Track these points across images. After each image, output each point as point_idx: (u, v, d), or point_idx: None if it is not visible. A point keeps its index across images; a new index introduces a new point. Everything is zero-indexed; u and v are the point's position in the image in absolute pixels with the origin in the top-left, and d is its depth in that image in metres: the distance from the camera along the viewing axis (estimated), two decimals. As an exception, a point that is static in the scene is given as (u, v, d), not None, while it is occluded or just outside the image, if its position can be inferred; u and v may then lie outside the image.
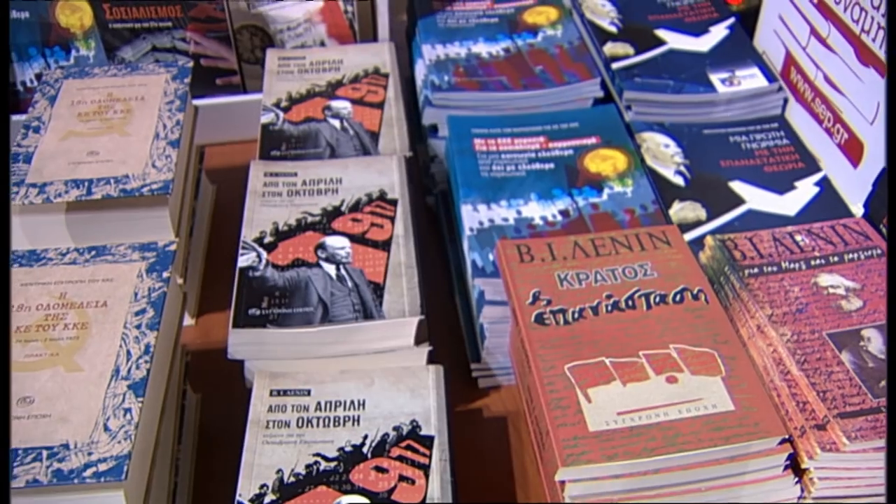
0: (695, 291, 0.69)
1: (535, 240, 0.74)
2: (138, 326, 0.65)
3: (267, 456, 0.63)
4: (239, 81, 1.02)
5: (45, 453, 0.57)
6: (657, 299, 0.68)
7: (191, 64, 0.89)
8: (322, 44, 1.02)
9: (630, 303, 0.68)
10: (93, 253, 0.70)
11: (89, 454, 0.57)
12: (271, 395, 0.67)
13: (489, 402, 0.79)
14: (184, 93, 0.86)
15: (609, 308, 0.68)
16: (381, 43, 0.99)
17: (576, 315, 0.67)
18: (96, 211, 0.76)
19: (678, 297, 0.68)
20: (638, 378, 0.63)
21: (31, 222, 0.77)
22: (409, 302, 0.70)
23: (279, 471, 0.62)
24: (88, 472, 0.56)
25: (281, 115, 0.88)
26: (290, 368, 0.69)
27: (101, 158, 0.79)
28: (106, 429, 0.58)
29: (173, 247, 0.71)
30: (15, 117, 0.95)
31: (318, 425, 0.65)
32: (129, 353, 0.63)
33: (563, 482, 0.59)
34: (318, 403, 0.67)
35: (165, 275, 0.68)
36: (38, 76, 1.02)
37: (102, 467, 0.56)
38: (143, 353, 0.63)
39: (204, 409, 0.78)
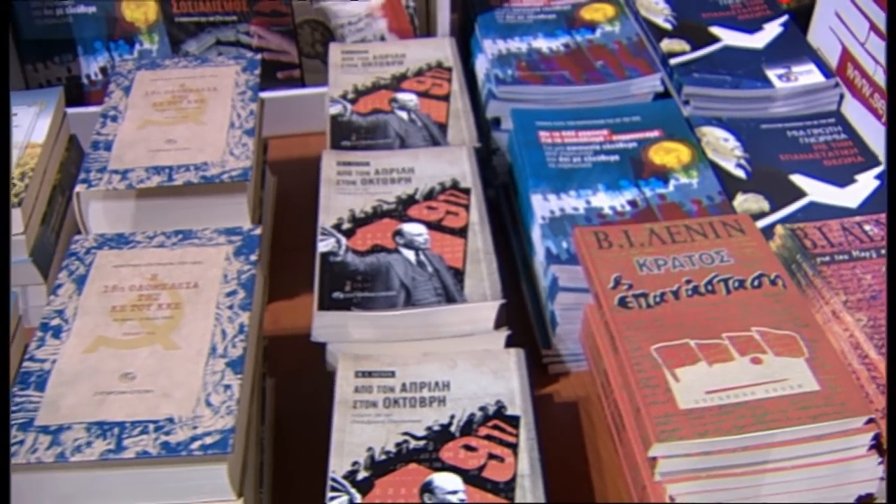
0: (772, 277, 0.70)
1: (611, 227, 0.75)
2: (230, 307, 0.66)
3: (357, 434, 0.64)
4: (299, 75, 1.04)
5: (151, 426, 0.58)
6: (735, 284, 0.70)
7: (259, 57, 0.91)
8: (382, 38, 1.04)
9: (709, 287, 0.69)
10: (179, 236, 0.72)
11: (194, 428, 0.58)
12: (356, 376, 0.69)
13: (559, 387, 0.80)
14: (255, 84, 0.87)
15: (689, 292, 0.69)
16: (442, 38, 1.00)
17: (657, 299, 0.69)
18: (176, 197, 0.78)
19: (756, 283, 0.70)
20: (723, 359, 0.64)
21: (112, 207, 0.78)
22: (490, 286, 0.72)
23: (370, 449, 0.63)
24: (195, 445, 0.57)
25: (349, 106, 0.89)
26: (371, 351, 0.71)
27: (179, 146, 0.80)
28: (208, 404, 0.59)
29: (258, 231, 0.72)
30: (84, 109, 0.97)
31: (404, 405, 0.67)
32: (224, 332, 0.64)
33: (654, 459, 0.60)
34: (403, 384, 0.68)
35: (253, 258, 0.70)
36: (103, 70, 1.04)
37: (208, 440, 0.57)
38: (237, 333, 0.64)
39: (278, 393, 0.79)
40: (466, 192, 0.80)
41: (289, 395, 0.79)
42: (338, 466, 0.62)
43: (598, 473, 0.73)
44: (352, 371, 0.69)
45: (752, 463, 0.61)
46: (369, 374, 0.69)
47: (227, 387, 0.60)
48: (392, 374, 0.69)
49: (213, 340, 0.63)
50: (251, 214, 0.80)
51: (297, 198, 0.97)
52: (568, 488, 0.71)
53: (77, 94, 1.02)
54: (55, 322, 0.65)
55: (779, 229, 0.76)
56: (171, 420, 0.58)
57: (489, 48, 0.98)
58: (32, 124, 0.88)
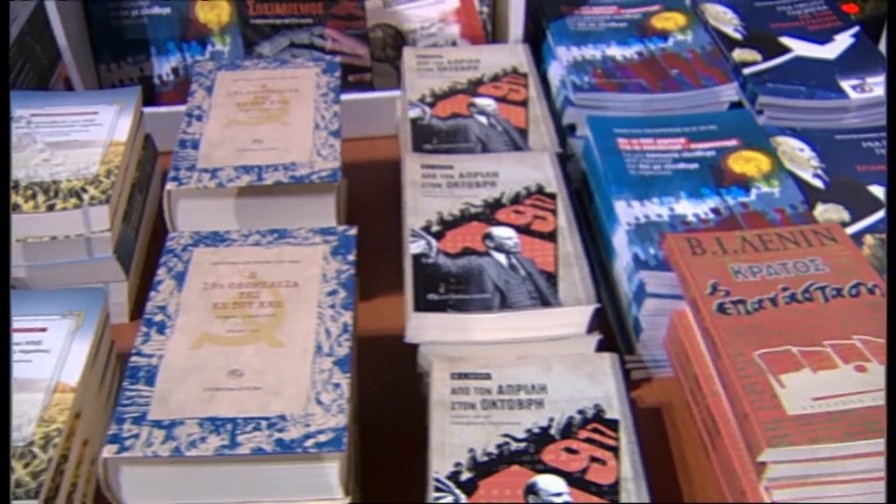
0: (869, 286, 0.70)
1: (703, 233, 0.75)
2: (332, 306, 0.66)
3: (457, 435, 0.64)
4: (370, 79, 1.04)
5: (263, 423, 0.58)
6: (833, 293, 0.70)
7: (338, 59, 0.91)
8: (453, 43, 1.04)
9: (807, 295, 0.69)
10: (275, 235, 0.72)
11: (307, 425, 0.58)
12: (452, 377, 0.69)
13: (641, 393, 0.80)
14: (336, 86, 0.88)
15: (787, 300, 0.69)
16: (515, 44, 1.01)
17: (755, 306, 0.69)
18: (263, 196, 0.78)
19: (854, 291, 0.70)
20: (827, 366, 0.64)
21: (200, 206, 0.78)
22: (584, 290, 0.72)
23: (471, 450, 0.63)
24: (309, 443, 0.57)
25: (427, 110, 0.90)
26: (465, 353, 0.71)
27: (265, 146, 0.80)
28: (319, 402, 0.59)
29: (353, 231, 0.72)
30: (156, 108, 0.97)
31: (502, 407, 0.67)
32: (328, 331, 0.64)
33: (763, 464, 0.60)
34: (500, 386, 0.68)
35: (350, 258, 0.70)
36: (175, 70, 1.04)
37: (322, 438, 0.57)
38: (342, 332, 0.64)
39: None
40: (552, 196, 0.80)
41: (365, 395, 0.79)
42: (440, 467, 0.62)
43: (686, 479, 0.73)
44: (447, 373, 0.69)
45: (861, 471, 0.61)
46: (465, 376, 0.69)
47: (337, 385, 0.61)
48: (488, 376, 0.69)
49: (317, 339, 0.64)
50: (337, 215, 0.80)
51: (368, 200, 0.97)
52: (658, 494, 0.71)
53: (148, 94, 1.03)
54: (158, 318, 0.65)
55: (868, 239, 0.76)
56: (283, 417, 0.58)
57: (563, 55, 0.98)
58: (114, 123, 0.89)
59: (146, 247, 0.92)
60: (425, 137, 0.87)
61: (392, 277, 0.80)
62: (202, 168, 0.78)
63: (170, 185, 0.76)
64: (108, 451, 0.56)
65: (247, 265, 0.69)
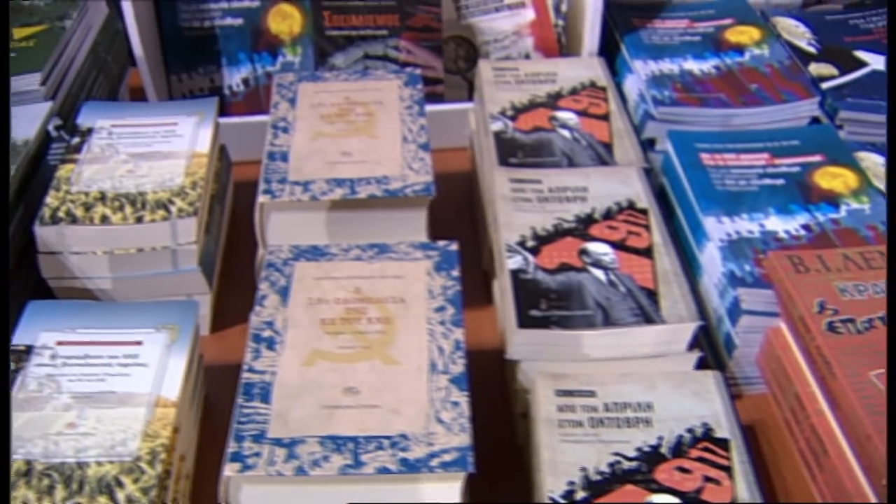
0: (978, 305, 0.70)
1: (804, 251, 0.75)
2: (442, 323, 0.66)
3: (567, 454, 0.64)
4: (442, 91, 1.03)
5: (385, 442, 0.57)
6: (942, 312, 0.69)
7: (418, 71, 0.91)
8: (527, 56, 1.04)
9: (916, 314, 0.69)
10: (375, 250, 0.72)
11: (430, 445, 0.57)
12: (557, 395, 0.68)
13: (733, 411, 0.79)
14: (420, 98, 0.87)
15: (896, 319, 0.69)
16: (590, 57, 1.00)
17: (866, 325, 0.68)
18: (357, 210, 0.77)
19: (962, 311, 0.69)
20: (944, 387, 0.63)
21: (291, 219, 0.78)
22: (686, 307, 0.71)
23: (583, 468, 0.63)
24: (435, 462, 0.56)
25: (510, 123, 0.89)
26: (567, 370, 0.70)
27: (355, 159, 0.80)
28: (440, 421, 0.59)
29: (454, 247, 0.72)
30: (228, 119, 0.97)
31: (610, 425, 0.66)
32: (440, 348, 0.64)
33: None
34: (605, 404, 0.67)
35: (455, 273, 0.69)
36: (245, 81, 1.04)
37: (447, 458, 0.57)
38: (454, 349, 0.64)
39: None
40: (643, 212, 0.80)
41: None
42: (554, 486, 0.62)
43: (786, 497, 0.72)
44: (551, 389, 0.68)
45: None
46: (570, 394, 0.68)
47: (455, 403, 0.60)
48: (593, 394, 0.68)
49: (430, 356, 0.63)
50: (428, 229, 0.79)
51: (440, 213, 0.96)
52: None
53: (219, 104, 1.02)
54: (267, 334, 0.65)
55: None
56: (404, 436, 0.58)
57: (640, 69, 0.97)
58: (194, 134, 0.88)
59: (222, 258, 0.91)
60: (510, 151, 0.86)
61: (472, 291, 0.79)
62: (294, 181, 0.77)
63: (263, 198, 0.76)
64: (230, 470, 0.56)
65: (350, 280, 0.69)
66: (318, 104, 0.87)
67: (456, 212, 0.98)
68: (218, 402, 0.77)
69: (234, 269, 0.90)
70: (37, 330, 0.73)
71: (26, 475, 0.62)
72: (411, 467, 0.56)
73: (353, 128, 0.83)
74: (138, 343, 0.72)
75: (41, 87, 0.90)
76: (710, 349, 0.80)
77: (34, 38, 0.95)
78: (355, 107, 0.86)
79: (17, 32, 0.96)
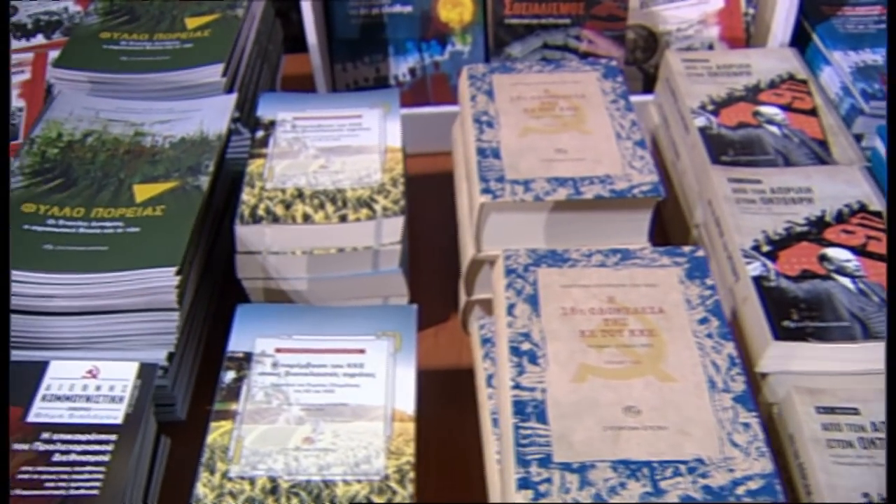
0: None
1: None
2: (709, 336, 0.61)
3: (846, 477, 0.59)
4: (619, 83, 0.99)
5: (682, 468, 0.53)
6: None
7: (614, 63, 0.86)
8: (710, 46, 0.99)
9: None
10: (619, 256, 0.67)
11: (730, 471, 0.53)
12: (818, 412, 0.64)
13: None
14: (624, 92, 0.83)
15: None
16: (782, 48, 0.95)
17: None
18: (579, 211, 0.73)
19: None
20: None
21: (510, 220, 0.74)
22: (951, 320, 0.66)
23: (865, 494, 0.59)
24: (740, 490, 0.52)
25: (713, 119, 0.85)
26: (822, 384, 0.66)
27: (571, 157, 0.76)
28: (734, 444, 0.55)
29: (700, 253, 0.68)
30: (402, 111, 0.92)
31: (881, 447, 0.61)
32: (714, 364, 0.59)
33: None
34: (873, 423, 0.63)
35: (709, 282, 0.65)
36: (412, 71, 1.00)
37: (752, 485, 0.53)
38: (730, 365, 0.59)
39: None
40: (877, 215, 0.75)
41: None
42: (841, 513, 0.58)
43: None
44: (811, 406, 0.64)
45: None
46: (832, 411, 0.64)
47: (746, 425, 0.56)
48: (856, 412, 0.64)
49: (706, 373, 0.59)
50: (651, 232, 0.75)
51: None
52: None
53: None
54: (525, 346, 0.61)
55: None
56: (700, 461, 0.54)
57: (840, 60, 0.92)
58: (382, 127, 0.85)
59: (404, 257, 0.87)
60: (721, 149, 0.81)
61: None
62: (512, 180, 0.73)
63: (483, 198, 0.72)
64: (523, 497, 0.52)
65: (600, 288, 0.65)
66: (517, 97, 0.82)
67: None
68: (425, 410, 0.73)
69: (416, 268, 0.86)
70: (252, 336, 0.69)
71: (273, 493, 0.59)
72: (716, 496, 0.52)
73: (561, 123, 0.79)
74: (361, 351, 0.68)
75: (222, 79, 0.86)
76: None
77: (208, 28, 0.92)
78: (558, 100, 0.82)
79: (190, 22, 0.92)
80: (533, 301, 0.64)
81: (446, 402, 0.75)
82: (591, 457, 0.54)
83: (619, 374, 0.59)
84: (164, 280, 0.69)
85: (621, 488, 0.52)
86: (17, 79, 0.94)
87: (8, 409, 0.64)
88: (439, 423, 0.70)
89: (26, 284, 0.69)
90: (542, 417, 0.56)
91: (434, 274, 0.87)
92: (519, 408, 0.57)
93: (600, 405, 0.57)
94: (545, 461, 0.54)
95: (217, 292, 0.84)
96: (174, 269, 0.69)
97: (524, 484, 0.53)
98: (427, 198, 0.92)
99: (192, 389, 0.78)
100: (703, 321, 0.62)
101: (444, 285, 0.86)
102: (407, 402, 0.64)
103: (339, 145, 0.82)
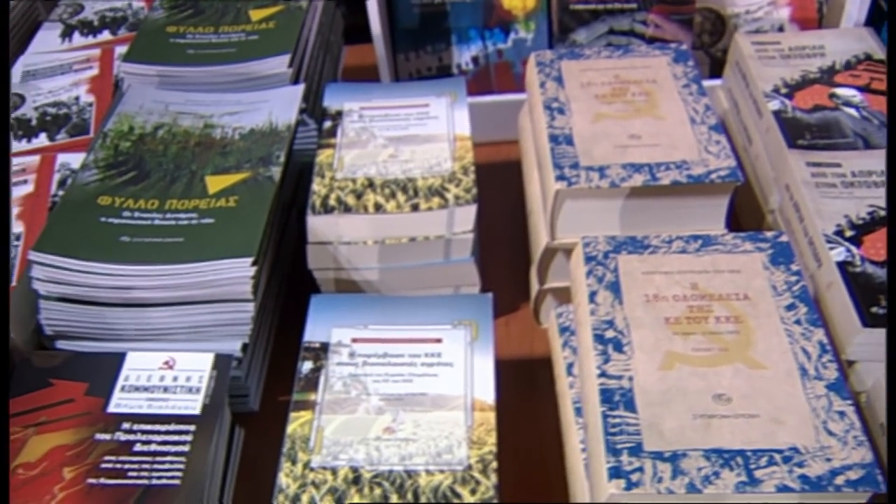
0: None
1: None
2: (797, 322, 0.60)
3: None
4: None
5: (777, 457, 0.52)
6: None
7: (684, 47, 0.85)
8: (780, 28, 0.97)
9: None
10: (699, 241, 0.66)
11: (827, 460, 0.52)
12: (910, 401, 0.62)
13: None
14: (696, 76, 0.81)
15: None
16: (857, 28, 0.93)
17: None
18: (655, 197, 0.72)
19: None
20: None
21: (584, 206, 0.73)
22: None
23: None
24: (839, 480, 0.51)
25: (787, 102, 0.83)
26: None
27: (645, 142, 0.74)
28: (830, 433, 0.53)
29: (783, 238, 0.66)
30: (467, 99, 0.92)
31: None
32: (805, 350, 0.58)
33: None
34: (969, 412, 0.61)
35: (794, 268, 0.64)
36: (475, 59, 0.99)
37: (851, 475, 0.51)
38: (821, 352, 0.58)
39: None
40: (964, 199, 0.72)
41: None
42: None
43: None
44: (902, 395, 0.62)
45: None
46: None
47: (841, 413, 0.54)
48: (948, 401, 0.62)
49: (797, 360, 0.57)
50: (728, 218, 0.73)
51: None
52: None
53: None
54: (609, 334, 0.60)
55: None
56: (795, 450, 0.53)
57: (918, 40, 0.90)
58: (450, 115, 0.84)
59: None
60: (798, 132, 0.80)
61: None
62: (587, 166, 0.72)
63: (558, 185, 0.71)
64: (615, 487, 0.51)
65: (683, 275, 0.63)
66: (587, 83, 0.81)
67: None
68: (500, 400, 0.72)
69: (483, 258, 0.85)
70: (328, 326, 0.69)
71: (356, 483, 0.58)
72: (814, 486, 0.51)
73: (633, 108, 0.78)
74: (438, 341, 0.68)
75: (288, 70, 0.86)
76: None
77: (272, 20, 0.92)
78: (629, 86, 0.80)
79: (254, 14, 0.92)
80: (615, 288, 0.63)
81: (521, 392, 0.74)
82: (682, 445, 0.53)
83: (707, 361, 0.57)
84: (240, 271, 0.69)
85: (715, 477, 0.51)
86: (86, 74, 0.95)
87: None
88: (515, 414, 0.69)
89: (104, 276, 0.69)
90: (630, 406, 0.55)
91: (502, 263, 0.87)
92: (606, 396, 0.56)
93: (689, 393, 0.56)
94: (636, 450, 0.53)
95: (284, 284, 0.84)
96: (250, 260, 0.69)
97: (616, 473, 0.52)
98: (491, 187, 0.91)
99: (263, 380, 0.78)
100: (790, 307, 0.61)
101: (513, 275, 0.85)
102: (487, 391, 0.64)
103: (408, 134, 0.82)
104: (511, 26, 0.97)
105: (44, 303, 0.71)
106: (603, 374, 0.57)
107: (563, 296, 0.78)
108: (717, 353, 0.58)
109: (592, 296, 0.62)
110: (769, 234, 0.66)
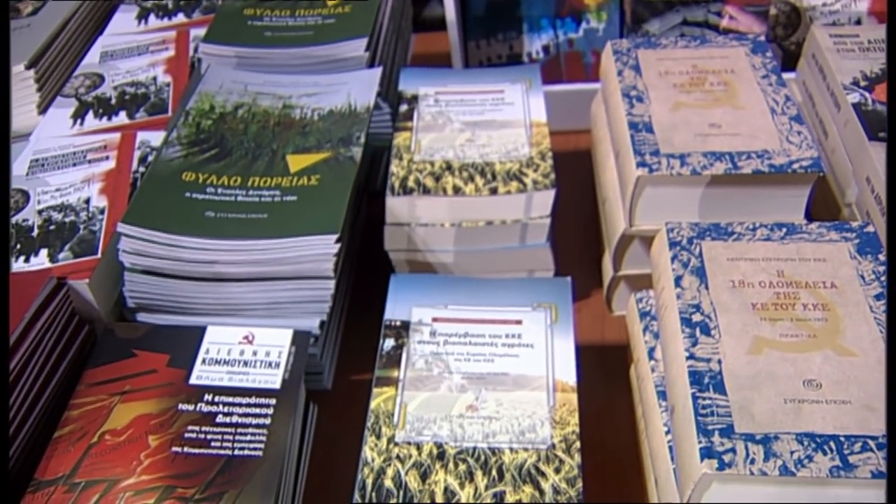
0: None
1: None
2: (886, 311, 0.60)
3: None
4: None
5: (871, 443, 0.52)
6: None
7: (762, 38, 0.85)
8: (857, 22, 0.96)
9: None
10: (784, 230, 0.66)
11: (922, 447, 0.52)
12: None
13: None
14: (775, 67, 0.81)
15: None
16: (936, 22, 0.92)
17: None
18: (735, 186, 0.72)
19: None
20: None
21: (664, 194, 0.73)
22: None
23: None
24: (934, 468, 0.51)
25: (868, 95, 0.82)
26: None
27: (725, 132, 0.74)
28: (922, 421, 0.53)
29: (871, 228, 0.66)
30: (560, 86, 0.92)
31: None
32: (895, 339, 0.58)
33: None
34: None
35: (881, 257, 0.63)
36: (546, 48, 0.99)
37: (942, 463, 0.51)
38: (915, 341, 0.58)
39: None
40: None
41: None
42: None
43: None
44: None
45: None
46: None
47: (935, 402, 0.54)
48: None
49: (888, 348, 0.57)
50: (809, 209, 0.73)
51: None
52: None
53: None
54: (696, 318, 0.60)
55: None
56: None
57: None
58: (525, 101, 0.85)
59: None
60: (877, 125, 0.79)
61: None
62: (667, 154, 0.72)
63: (639, 172, 0.71)
64: (707, 467, 0.51)
65: (768, 262, 0.63)
66: (664, 72, 0.81)
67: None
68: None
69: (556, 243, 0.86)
70: (408, 305, 0.70)
71: (441, 459, 0.59)
72: (911, 473, 0.50)
73: (713, 98, 0.78)
74: (518, 322, 0.68)
75: (365, 53, 0.87)
76: None
77: (348, 4, 0.93)
78: (707, 75, 0.80)
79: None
80: (700, 273, 0.63)
81: (596, 377, 0.75)
82: (773, 428, 0.53)
83: (796, 347, 0.57)
84: (324, 248, 0.69)
85: (808, 461, 0.51)
86: (162, 56, 0.96)
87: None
88: (592, 397, 0.69)
89: (190, 250, 0.70)
90: (720, 388, 0.55)
91: (572, 250, 0.87)
92: (696, 378, 0.56)
93: (778, 378, 0.56)
94: (727, 431, 0.53)
95: (356, 264, 0.85)
96: (335, 237, 0.69)
97: (707, 453, 0.52)
98: (562, 175, 0.91)
99: (336, 359, 0.79)
100: (879, 297, 0.60)
101: (584, 261, 0.86)
102: (568, 372, 0.64)
103: (484, 119, 0.82)
104: (583, 16, 0.97)
105: (129, 275, 0.72)
106: (691, 357, 0.57)
107: (638, 283, 0.78)
108: (805, 340, 0.58)
109: (678, 280, 0.62)
110: (855, 223, 0.66)
